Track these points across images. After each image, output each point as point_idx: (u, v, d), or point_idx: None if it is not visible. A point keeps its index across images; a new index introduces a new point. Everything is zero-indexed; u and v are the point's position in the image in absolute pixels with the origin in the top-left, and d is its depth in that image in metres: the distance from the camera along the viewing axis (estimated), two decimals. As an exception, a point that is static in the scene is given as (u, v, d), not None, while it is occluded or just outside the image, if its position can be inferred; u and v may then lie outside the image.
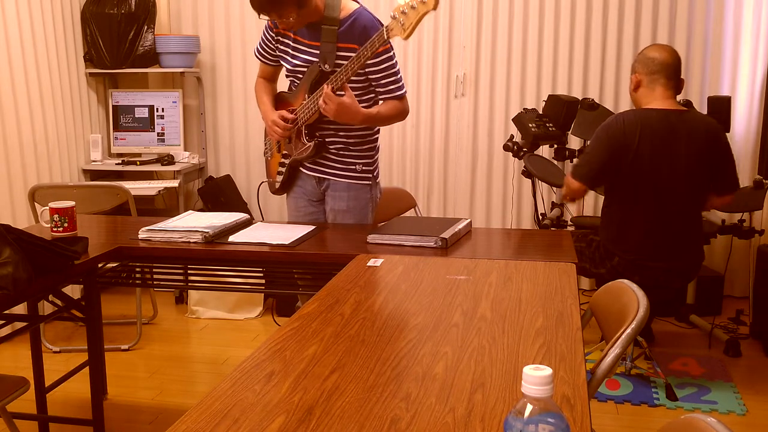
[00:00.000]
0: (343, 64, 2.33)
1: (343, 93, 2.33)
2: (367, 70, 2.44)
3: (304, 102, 2.49)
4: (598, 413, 2.80)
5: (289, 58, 2.54)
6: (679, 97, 3.83)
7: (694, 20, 3.98)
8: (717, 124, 2.84)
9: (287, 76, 2.60)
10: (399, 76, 2.49)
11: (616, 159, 2.74)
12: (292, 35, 2.52)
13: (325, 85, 2.33)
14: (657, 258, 2.81)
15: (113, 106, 4.33)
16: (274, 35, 2.57)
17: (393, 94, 2.48)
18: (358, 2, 2.47)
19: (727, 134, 3.89)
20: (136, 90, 4.39)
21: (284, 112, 2.55)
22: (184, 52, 4.23)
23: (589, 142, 2.89)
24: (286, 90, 2.64)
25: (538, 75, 4.15)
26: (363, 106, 2.43)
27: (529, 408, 0.81)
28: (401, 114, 2.53)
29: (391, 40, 2.43)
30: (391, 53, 2.45)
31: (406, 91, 2.52)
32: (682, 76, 2.86)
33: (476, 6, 4.14)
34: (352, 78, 2.41)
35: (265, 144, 2.75)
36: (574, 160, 3.61)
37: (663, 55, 2.77)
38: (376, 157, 2.63)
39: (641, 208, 2.79)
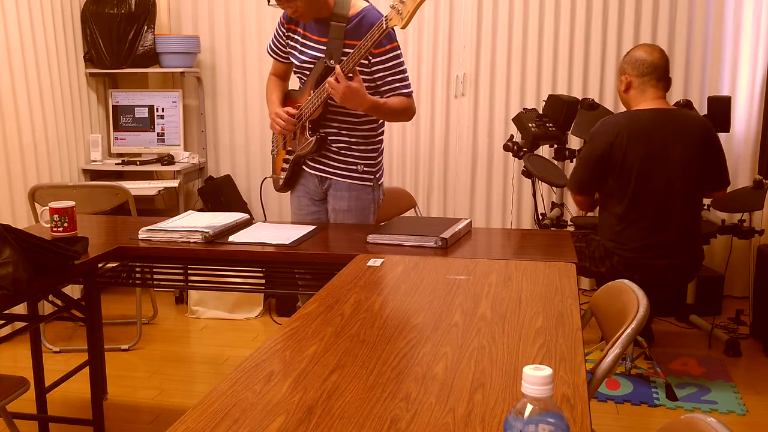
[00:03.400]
0: None
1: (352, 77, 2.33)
2: (374, 68, 2.44)
3: (310, 97, 2.49)
4: (598, 413, 2.80)
5: (297, 54, 2.55)
6: (679, 97, 3.86)
7: (694, 20, 3.98)
8: (709, 122, 2.89)
9: (295, 73, 2.61)
10: (406, 75, 2.49)
11: (606, 166, 2.79)
12: (301, 31, 2.53)
13: (337, 66, 2.33)
14: (657, 256, 2.82)
15: (113, 106, 4.33)
16: (285, 30, 2.58)
17: (399, 91, 2.47)
18: (368, 1, 2.48)
19: (727, 134, 3.93)
20: (136, 90, 4.39)
21: (289, 108, 2.56)
22: (184, 52, 4.23)
23: (581, 149, 2.93)
24: (296, 89, 2.66)
25: (538, 75, 4.15)
26: None
27: (529, 408, 0.81)
28: (408, 110, 2.50)
29: (395, 37, 2.45)
30: (398, 51, 2.46)
31: (412, 91, 2.53)
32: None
33: (476, 6, 4.14)
34: (361, 76, 2.41)
35: (273, 141, 2.77)
36: (574, 160, 3.62)
37: (653, 57, 2.81)
38: (379, 159, 2.63)
39: (639, 207, 2.80)
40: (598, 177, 2.83)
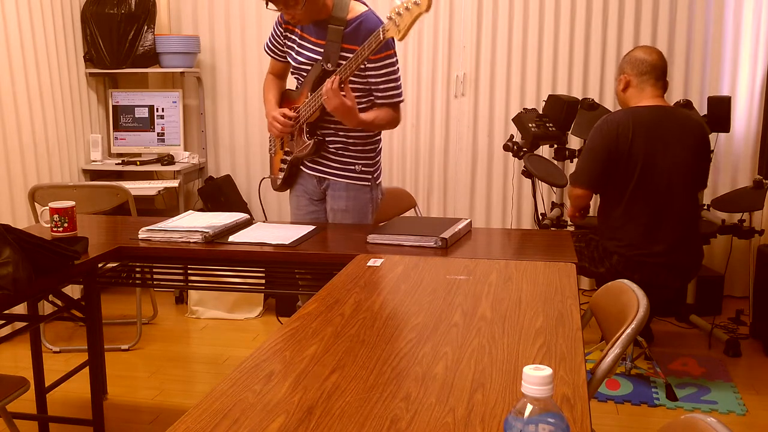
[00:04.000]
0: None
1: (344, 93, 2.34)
2: (367, 73, 2.44)
3: (307, 100, 2.50)
4: (598, 413, 2.80)
5: (294, 54, 2.55)
6: (679, 97, 3.86)
7: (694, 20, 3.98)
8: (704, 122, 2.92)
9: (292, 73, 2.61)
10: (399, 83, 2.50)
11: (613, 159, 2.78)
12: (299, 32, 2.53)
13: (329, 80, 2.33)
14: (656, 256, 2.82)
15: (113, 106, 4.33)
16: (282, 30, 2.58)
17: (390, 99, 2.49)
18: (366, 5, 2.48)
19: (727, 134, 3.93)
20: (136, 90, 4.39)
21: (286, 110, 2.56)
22: (184, 52, 4.23)
23: (583, 147, 2.93)
24: (293, 88, 2.65)
25: (538, 75, 4.15)
26: (360, 108, 2.44)
27: (529, 408, 0.81)
28: (393, 122, 2.55)
29: (393, 44, 2.45)
30: (394, 59, 2.46)
31: (403, 100, 2.53)
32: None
33: (476, 6, 4.14)
34: (353, 80, 2.41)
35: (270, 141, 2.77)
36: (574, 160, 3.62)
37: (652, 57, 2.85)
38: (377, 159, 2.63)
39: (638, 204, 2.80)
40: (606, 169, 2.81)
